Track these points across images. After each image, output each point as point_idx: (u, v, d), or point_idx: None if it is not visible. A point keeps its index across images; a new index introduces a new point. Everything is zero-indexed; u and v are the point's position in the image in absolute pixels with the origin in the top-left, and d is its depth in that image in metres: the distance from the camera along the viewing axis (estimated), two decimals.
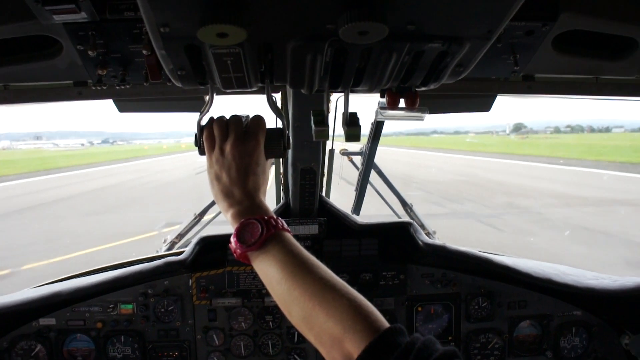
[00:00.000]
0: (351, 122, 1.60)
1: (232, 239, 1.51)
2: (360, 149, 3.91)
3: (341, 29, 1.08)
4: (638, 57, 1.87)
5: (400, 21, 1.14)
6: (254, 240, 1.45)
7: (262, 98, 1.65)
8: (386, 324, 1.31)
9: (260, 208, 1.55)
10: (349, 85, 1.49)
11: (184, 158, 52.14)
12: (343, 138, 1.71)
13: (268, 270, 1.45)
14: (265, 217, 1.50)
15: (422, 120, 2.02)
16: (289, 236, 1.51)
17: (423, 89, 1.56)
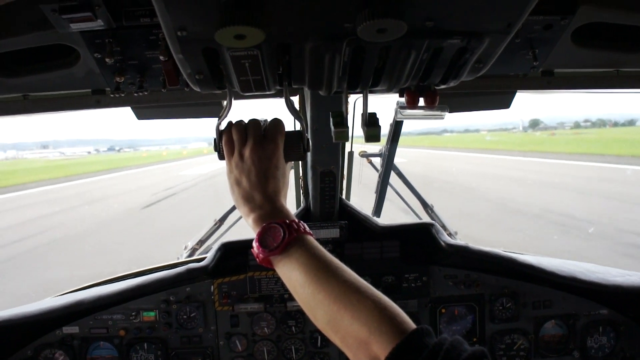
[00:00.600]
0: (370, 123, 1.59)
1: (254, 244, 1.50)
2: (380, 151, 3.90)
3: (359, 28, 1.08)
4: None
5: (419, 18, 1.14)
6: (277, 245, 1.45)
7: (280, 103, 1.65)
8: (413, 325, 1.30)
9: (282, 212, 1.55)
10: (368, 85, 1.49)
11: (168, 169, 49.58)
12: (362, 140, 1.71)
13: (291, 274, 1.45)
14: (287, 221, 1.49)
15: (443, 118, 2.01)
16: (312, 239, 1.51)
17: (442, 87, 1.56)
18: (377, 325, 1.28)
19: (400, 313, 1.33)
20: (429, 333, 1.28)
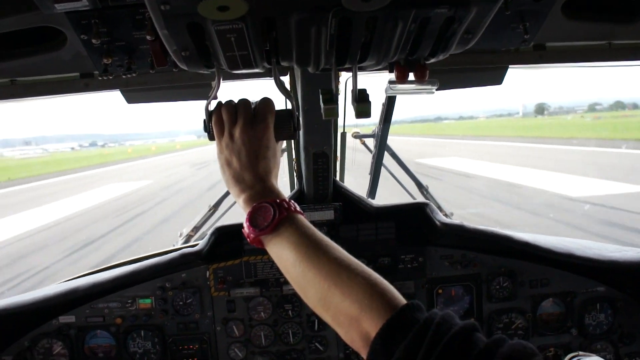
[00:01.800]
0: (361, 99, 1.58)
1: (245, 224, 1.50)
2: (372, 131, 3.88)
3: None
4: None
5: None
6: (267, 224, 1.45)
7: (271, 84, 1.64)
8: (403, 301, 1.30)
9: (272, 192, 1.55)
10: (356, 60, 1.48)
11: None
12: (356, 125, 1.69)
13: (282, 253, 1.45)
14: (278, 200, 1.49)
15: (433, 93, 1.99)
16: (302, 218, 1.50)
17: (432, 60, 1.54)
18: (367, 301, 1.28)
19: (391, 289, 1.34)
20: (419, 308, 1.28)
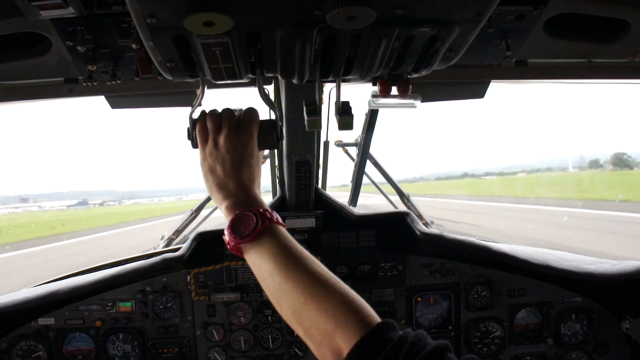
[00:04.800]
0: (343, 111, 1.60)
1: (226, 231, 1.51)
2: (355, 140, 3.90)
3: (329, 15, 1.07)
4: (630, 39, 1.86)
5: (388, 5, 1.14)
6: (249, 232, 1.46)
7: (255, 92, 1.65)
8: (378, 319, 1.31)
9: (256, 200, 1.56)
10: (340, 74, 1.50)
11: None
12: (339, 131, 1.71)
13: (261, 263, 1.45)
14: (261, 210, 1.50)
15: (415, 107, 2.01)
16: (283, 230, 1.51)
17: (415, 75, 1.56)
18: (343, 317, 1.29)
19: (367, 307, 1.34)
20: (393, 327, 1.28)
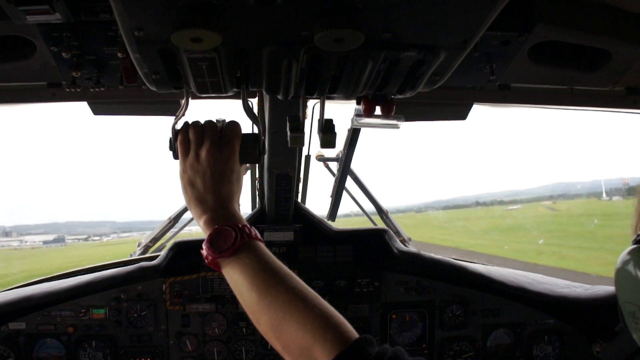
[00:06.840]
0: (326, 129, 1.59)
1: (204, 245, 1.49)
2: (337, 155, 3.90)
3: (317, 36, 1.06)
4: (611, 69, 1.90)
5: (376, 29, 1.14)
6: (227, 247, 1.44)
7: (239, 103, 1.64)
8: (356, 335, 1.31)
9: (235, 216, 1.55)
10: (325, 92, 1.49)
11: None
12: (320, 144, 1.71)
13: (238, 278, 1.44)
14: (240, 225, 1.48)
15: (398, 128, 2.02)
16: (262, 245, 1.50)
17: (399, 97, 1.56)
18: (321, 332, 1.29)
19: (344, 322, 1.34)
20: (371, 342, 1.29)
